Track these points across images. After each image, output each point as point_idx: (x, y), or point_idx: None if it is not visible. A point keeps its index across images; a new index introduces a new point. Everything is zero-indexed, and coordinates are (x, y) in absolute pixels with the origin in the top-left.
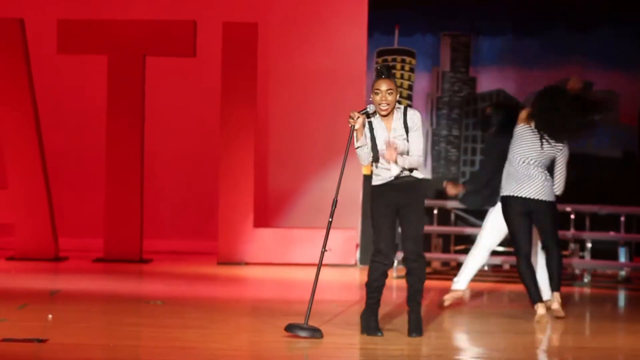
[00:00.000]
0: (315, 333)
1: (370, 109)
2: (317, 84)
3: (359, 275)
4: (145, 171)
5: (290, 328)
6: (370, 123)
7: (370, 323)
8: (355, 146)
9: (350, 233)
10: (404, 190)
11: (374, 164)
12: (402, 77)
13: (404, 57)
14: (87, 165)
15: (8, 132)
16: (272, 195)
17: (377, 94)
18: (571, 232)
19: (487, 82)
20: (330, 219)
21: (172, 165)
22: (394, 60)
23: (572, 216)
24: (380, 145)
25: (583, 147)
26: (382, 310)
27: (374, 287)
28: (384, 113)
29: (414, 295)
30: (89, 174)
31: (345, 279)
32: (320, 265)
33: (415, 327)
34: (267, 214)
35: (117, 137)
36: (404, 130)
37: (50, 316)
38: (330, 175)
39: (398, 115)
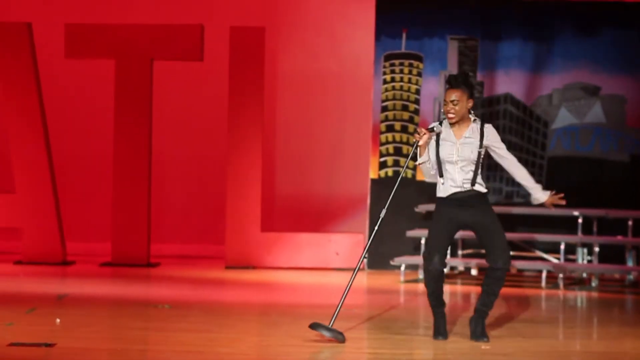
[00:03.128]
0: (338, 336)
1: (437, 128)
2: (324, 88)
3: (366, 280)
4: (152, 175)
5: (315, 327)
6: (437, 136)
7: (438, 328)
8: (418, 162)
9: (357, 237)
10: (470, 206)
11: (440, 177)
12: (409, 81)
13: (412, 61)
14: (95, 169)
15: (16, 137)
16: (280, 199)
17: (445, 104)
18: (579, 237)
19: (495, 86)
20: (376, 227)
21: (179, 169)
22: (402, 64)
23: (580, 220)
24: (444, 156)
25: (590, 150)
26: (390, 314)
27: (429, 293)
28: (451, 121)
29: (490, 300)
30: (97, 178)
31: (353, 283)
32: (357, 270)
33: (482, 333)
34: (274, 218)
35: (125, 142)
36: (479, 139)
37: (58, 320)
38: (337, 179)
39: (475, 125)
